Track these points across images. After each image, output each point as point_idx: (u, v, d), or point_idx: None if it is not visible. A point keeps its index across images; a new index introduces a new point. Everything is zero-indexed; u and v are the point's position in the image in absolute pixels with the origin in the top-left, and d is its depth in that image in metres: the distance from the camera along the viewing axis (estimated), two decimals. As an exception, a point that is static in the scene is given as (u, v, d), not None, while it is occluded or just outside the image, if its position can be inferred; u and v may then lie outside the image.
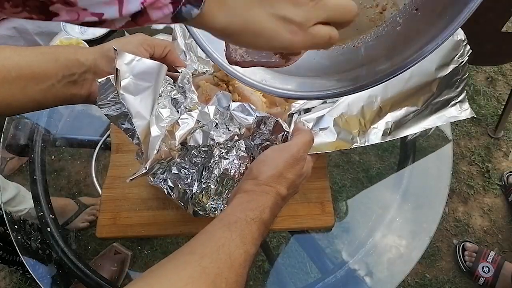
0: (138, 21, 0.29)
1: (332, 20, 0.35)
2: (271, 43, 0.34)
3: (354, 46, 0.46)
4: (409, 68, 0.40)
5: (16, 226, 0.81)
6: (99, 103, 0.57)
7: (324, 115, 0.63)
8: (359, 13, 0.40)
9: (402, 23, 0.41)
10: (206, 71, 0.71)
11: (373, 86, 0.43)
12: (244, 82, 0.52)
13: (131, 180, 0.52)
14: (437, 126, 0.73)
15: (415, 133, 0.71)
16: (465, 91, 0.72)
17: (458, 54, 0.68)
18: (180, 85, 0.61)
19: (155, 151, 0.52)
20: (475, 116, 0.72)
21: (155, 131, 0.53)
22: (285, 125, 0.57)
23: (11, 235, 0.80)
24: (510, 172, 1.51)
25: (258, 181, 0.49)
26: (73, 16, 0.27)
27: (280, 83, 0.51)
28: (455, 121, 0.74)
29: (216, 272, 0.38)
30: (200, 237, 0.43)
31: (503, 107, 1.51)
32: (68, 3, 0.26)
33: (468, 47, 0.68)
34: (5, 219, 0.83)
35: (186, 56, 0.71)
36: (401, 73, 0.41)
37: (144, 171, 0.52)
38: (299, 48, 0.36)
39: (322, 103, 0.67)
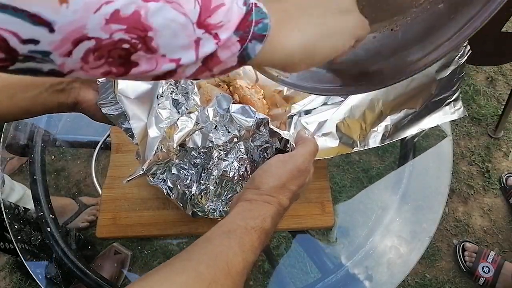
0: (208, 64, 0.30)
1: None
2: (343, 40, 0.36)
3: (392, 29, 0.42)
4: (444, 56, 0.37)
5: (16, 226, 0.81)
6: (100, 102, 0.57)
7: (326, 120, 0.63)
8: None
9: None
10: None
11: (402, 80, 0.39)
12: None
13: (128, 181, 0.52)
14: (437, 126, 0.73)
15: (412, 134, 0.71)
16: (459, 90, 0.72)
17: (459, 55, 0.68)
18: (183, 85, 0.61)
19: (153, 153, 0.52)
20: (467, 114, 0.72)
21: (153, 132, 0.53)
22: (283, 133, 0.57)
23: (10, 234, 0.80)
24: (509, 173, 1.51)
25: (260, 191, 0.48)
26: (152, 64, 0.28)
27: (306, 79, 0.48)
28: (455, 121, 0.74)
29: (212, 279, 0.38)
30: (198, 244, 0.42)
31: (503, 107, 1.50)
32: (151, 49, 0.27)
33: (469, 47, 0.68)
34: (5, 218, 0.83)
35: None
36: (434, 63, 0.38)
37: (141, 173, 0.52)
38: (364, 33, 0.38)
39: (323, 104, 0.67)
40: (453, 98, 0.72)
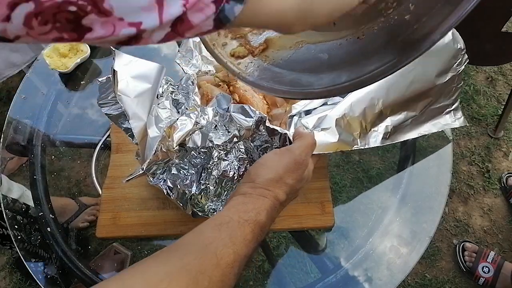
0: (178, 29, 0.26)
1: None
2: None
3: (358, 37, 0.41)
4: (408, 63, 0.35)
5: (16, 226, 0.81)
6: (100, 102, 0.57)
7: (326, 115, 0.63)
8: None
9: (412, 10, 0.35)
10: (209, 71, 0.71)
11: (372, 83, 0.38)
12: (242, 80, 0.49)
13: (128, 180, 0.52)
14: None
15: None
16: (459, 100, 0.74)
17: (457, 63, 0.69)
18: (183, 85, 0.61)
19: (153, 152, 0.52)
20: (467, 124, 0.74)
21: (153, 131, 0.53)
22: (279, 128, 0.57)
23: (11, 234, 0.80)
24: (509, 173, 1.51)
25: (256, 184, 0.47)
26: (109, 29, 0.25)
27: (273, 82, 0.46)
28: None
29: (199, 270, 0.37)
30: (188, 235, 0.42)
31: (503, 107, 1.51)
32: (104, 12, 0.23)
33: (466, 56, 0.69)
34: (5, 218, 0.83)
35: (192, 55, 0.70)
36: (398, 69, 0.36)
37: (140, 172, 0.52)
38: None
39: (323, 104, 0.67)
40: (453, 108, 0.73)
